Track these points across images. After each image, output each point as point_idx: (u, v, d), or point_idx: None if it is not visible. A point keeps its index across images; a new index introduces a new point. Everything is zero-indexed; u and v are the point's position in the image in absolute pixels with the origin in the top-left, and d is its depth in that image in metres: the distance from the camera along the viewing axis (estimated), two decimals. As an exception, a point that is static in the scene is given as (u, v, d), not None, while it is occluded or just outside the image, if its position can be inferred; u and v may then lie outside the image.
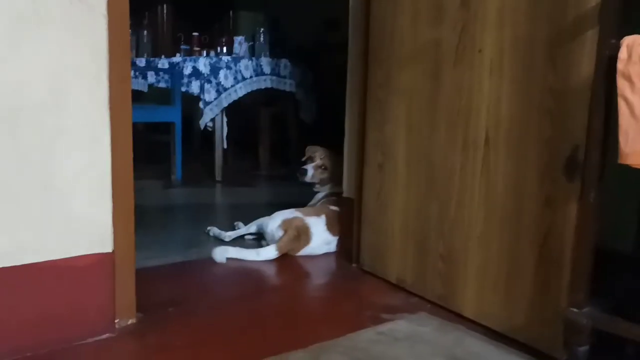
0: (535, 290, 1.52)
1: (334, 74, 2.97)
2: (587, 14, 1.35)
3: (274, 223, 2.39)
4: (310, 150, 2.83)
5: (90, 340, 1.53)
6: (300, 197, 2.78)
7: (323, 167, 2.73)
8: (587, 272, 1.35)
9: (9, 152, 1.39)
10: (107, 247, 1.56)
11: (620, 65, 1.19)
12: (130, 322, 1.63)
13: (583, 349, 1.35)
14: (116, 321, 1.60)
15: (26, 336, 1.45)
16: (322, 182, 2.75)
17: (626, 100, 1.19)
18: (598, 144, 1.30)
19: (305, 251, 2.36)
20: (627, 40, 1.20)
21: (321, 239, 2.39)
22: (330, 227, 2.41)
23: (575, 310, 1.35)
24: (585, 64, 1.35)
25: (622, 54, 1.19)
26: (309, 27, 5.06)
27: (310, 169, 2.72)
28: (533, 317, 1.53)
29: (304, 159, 2.82)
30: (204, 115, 3.84)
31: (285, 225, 2.36)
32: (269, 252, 2.31)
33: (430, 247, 1.85)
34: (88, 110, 1.50)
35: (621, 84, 1.19)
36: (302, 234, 2.36)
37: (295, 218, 2.40)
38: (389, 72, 1.99)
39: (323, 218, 2.42)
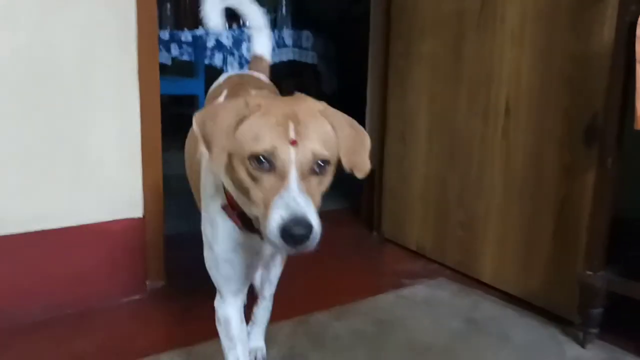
0: (553, 255, 1.55)
1: (356, 46, 2.97)
2: (608, -19, 1.35)
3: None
4: None
5: (123, 300, 1.61)
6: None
7: None
8: (603, 237, 1.37)
9: (42, 117, 1.45)
10: (137, 212, 1.63)
11: (639, 31, 1.20)
12: (159, 285, 1.70)
13: (597, 311, 1.38)
14: (147, 283, 1.67)
15: (65, 295, 1.53)
16: None
17: (644, 66, 1.19)
18: (616, 111, 1.31)
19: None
20: (648, 7, 1.20)
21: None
22: None
23: (590, 273, 1.38)
24: (607, 31, 1.36)
25: (642, 20, 1.20)
26: (331, -2, 5.01)
27: None
28: (550, 282, 1.56)
29: None
30: (226, 87, 3.87)
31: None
32: None
33: (450, 215, 1.89)
34: (119, 79, 1.55)
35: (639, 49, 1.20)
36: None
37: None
38: (410, 41, 2.00)
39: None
